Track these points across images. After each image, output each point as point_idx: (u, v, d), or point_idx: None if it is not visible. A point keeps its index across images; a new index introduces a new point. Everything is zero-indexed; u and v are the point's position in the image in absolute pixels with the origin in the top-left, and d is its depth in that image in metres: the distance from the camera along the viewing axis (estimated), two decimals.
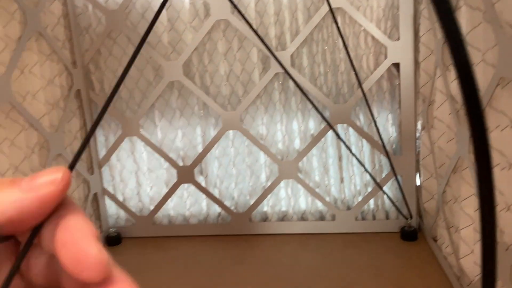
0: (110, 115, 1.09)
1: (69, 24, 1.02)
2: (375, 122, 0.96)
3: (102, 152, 1.13)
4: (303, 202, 1.10)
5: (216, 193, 1.11)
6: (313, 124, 1.06)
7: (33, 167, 0.87)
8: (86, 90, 1.07)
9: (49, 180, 0.18)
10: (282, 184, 1.08)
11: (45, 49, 0.93)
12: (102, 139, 1.13)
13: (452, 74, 0.70)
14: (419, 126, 0.98)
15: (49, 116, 0.93)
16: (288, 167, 1.05)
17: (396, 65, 0.98)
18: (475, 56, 0.59)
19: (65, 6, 1.00)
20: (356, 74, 0.91)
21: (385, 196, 1.05)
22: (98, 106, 1.10)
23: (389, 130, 1.02)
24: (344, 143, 0.95)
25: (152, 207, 1.13)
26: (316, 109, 0.93)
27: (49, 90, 0.93)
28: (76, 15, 1.04)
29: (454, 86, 0.70)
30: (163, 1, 0.33)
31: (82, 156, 1.06)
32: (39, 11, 0.90)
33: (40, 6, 0.90)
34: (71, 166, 0.20)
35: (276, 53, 0.99)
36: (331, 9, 0.90)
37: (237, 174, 1.10)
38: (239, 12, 0.93)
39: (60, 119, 0.96)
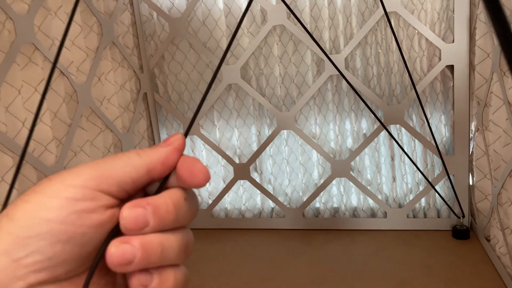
0: (173, 115, 1.17)
1: (136, 32, 1.10)
2: (428, 122, 0.99)
3: None
4: (355, 199, 1.14)
5: (270, 189, 1.17)
6: (366, 124, 1.09)
7: None
8: (152, 93, 1.16)
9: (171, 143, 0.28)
10: (334, 181, 1.13)
11: (117, 56, 1.01)
12: (165, 137, 1.21)
13: (510, 80, 0.72)
14: (472, 128, 0.99)
15: (121, 118, 1.01)
16: (340, 166, 1.10)
17: (450, 67, 0.99)
18: None
19: (133, 15, 1.09)
20: (410, 76, 0.93)
21: (436, 195, 1.07)
22: (162, 108, 1.18)
23: (441, 131, 1.04)
24: (397, 142, 0.98)
25: (210, 201, 1.21)
26: (370, 109, 0.96)
27: (121, 95, 1.02)
28: (142, 23, 1.12)
29: None
30: (247, 5, 0.39)
31: None
32: (113, 22, 0.99)
33: (114, 17, 0.99)
34: (186, 134, 0.29)
35: (331, 56, 1.03)
36: (386, 14, 0.93)
37: (290, 171, 1.16)
38: (296, 17, 0.97)
39: (131, 121, 1.05)
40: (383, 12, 0.96)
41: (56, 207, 0.23)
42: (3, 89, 0.68)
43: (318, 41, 1.01)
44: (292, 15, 1.03)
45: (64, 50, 0.83)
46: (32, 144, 0.73)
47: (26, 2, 0.73)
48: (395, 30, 1.00)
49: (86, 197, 0.24)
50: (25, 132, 0.72)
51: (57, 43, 0.81)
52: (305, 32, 1.00)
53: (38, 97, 0.75)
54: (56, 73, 0.80)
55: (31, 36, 0.73)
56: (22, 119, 0.71)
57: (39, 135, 0.76)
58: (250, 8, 1.06)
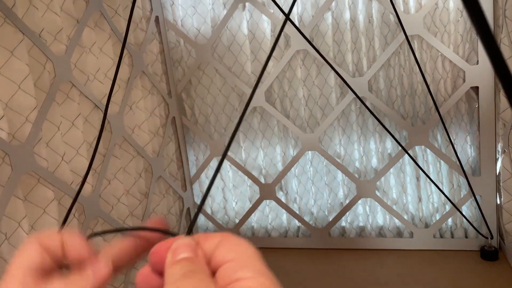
0: (200, 137, 1.21)
1: (164, 59, 1.14)
2: (452, 144, 0.99)
3: (193, 170, 1.25)
4: (381, 218, 1.15)
5: (296, 208, 1.19)
6: (390, 144, 1.10)
7: (140, 190, 1.00)
8: (180, 117, 1.20)
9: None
10: (360, 201, 1.14)
11: (147, 84, 1.06)
12: (193, 159, 1.25)
13: None
14: (499, 149, 0.98)
15: (151, 143, 1.06)
16: (366, 186, 1.11)
17: (475, 89, 0.99)
18: None
19: (161, 43, 1.13)
20: (432, 98, 0.94)
21: (465, 213, 1.06)
22: (190, 130, 1.22)
23: (467, 151, 1.04)
24: (420, 167, 0.99)
25: (237, 220, 1.23)
26: (390, 133, 0.97)
27: (151, 121, 1.06)
28: (170, 50, 1.17)
29: None
30: (276, 38, 0.41)
31: (177, 176, 1.19)
32: (142, 52, 1.03)
33: (143, 47, 1.03)
34: (189, 231, 0.28)
35: (354, 79, 1.04)
36: (407, 38, 0.94)
37: (315, 191, 1.17)
38: (315, 49, 0.99)
39: (160, 145, 1.09)
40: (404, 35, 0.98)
41: None
42: (44, 126, 0.73)
43: (341, 65, 1.03)
44: (314, 39, 1.06)
45: (97, 83, 0.88)
46: (70, 176, 0.78)
47: (63, 43, 0.78)
48: (418, 52, 1.01)
49: None
50: (64, 166, 0.76)
51: (92, 78, 0.86)
52: (327, 56, 1.02)
53: (75, 131, 0.79)
54: (91, 106, 0.85)
55: (68, 74, 0.78)
56: (61, 153, 0.76)
57: (77, 166, 0.80)
58: (272, 33, 1.09)
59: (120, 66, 0.93)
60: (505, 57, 0.84)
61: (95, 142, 0.83)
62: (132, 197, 0.98)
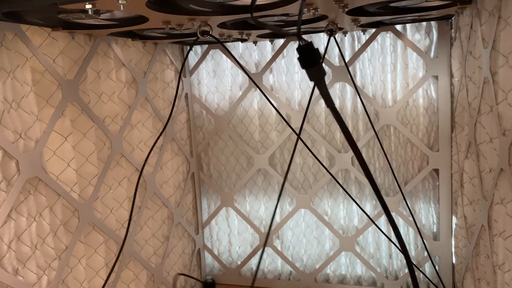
0: (213, 190, 1.46)
1: (189, 126, 1.41)
2: (412, 214, 1.22)
3: (205, 217, 1.50)
4: (359, 269, 1.37)
5: (289, 255, 1.42)
6: (369, 208, 1.34)
7: (163, 234, 1.25)
8: (198, 172, 1.45)
9: None
10: (342, 253, 1.36)
11: (175, 148, 1.32)
12: (205, 207, 1.50)
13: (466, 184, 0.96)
14: (454, 220, 1.21)
15: (174, 195, 1.31)
16: (348, 241, 1.34)
17: (437, 170, 1.23)
18: None
19: (188, 114, 1.40)
20: (394, 177, 1.19)
21: (427, 270, 1.29)
22: (205, 183, 1.47)
23: (430, 219, 1.27)
24: (385, 234, 1.22)
25: (239, 262, 1.47)
26: (359, 207, 1.20)
27: (175, 177, 1.32)
28: (194, 118, 1.44)
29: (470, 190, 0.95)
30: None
31: (191, 221, 1.44)
32: (174, 123, 1.30)
33: (175, 119, 1.30)
34: None
35: (340, 155, 1.29)
36: (376, 134, 1.19)
37: (306, 242, 1.41)
38: (304, 143, 1.25)
39: (181, 196, 1.34)
40: (382, 124, 1.23)
41: None
42: (101, 188, 0.99)
43: (330, 141, 1.29)
44: (310, 119, 1.32)
45: (139, 151, 1.14)
46: (115, 224, 1.03)
47: (118, 124, 1.05)
48: (393, 137, 1.26)
49: None
50: (111, 217, 1.01)
51: (135, 148, 1.12)
52: (320, 133, 1.28)
53: (122, 190, 1.05)
54: (133, 169, 1.11)
55: (120, 147, 1.04)
56: (110, 207, 1.01)
57: (120, 216, 1.05)
58: (277, 110, 1.35)
59: (156, 136, 1.20)
60: (457, 150, 1.09)
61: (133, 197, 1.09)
62: (157, 239, 1.23)
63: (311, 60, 0.48)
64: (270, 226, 0.96)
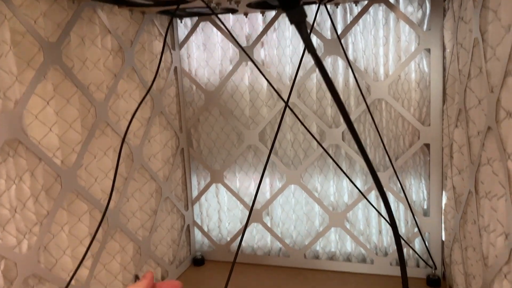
0: (203, 166, 1.45)
1: (179, 101, 1.39)
2: (403, 190, 1.21)
3: (194, 193, 1.48)
4: (349, 246, 1.36)
5: (278, 232, 1.41)
6: (360, 183, 1.32)
7: (151, 207, 1.23)
8: (187, 148, 1.44)
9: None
10: (332, 229, 1.36)
11: (163, 122, 1.30)
12: (195, 183, 1.48)
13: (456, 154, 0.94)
14: (444, 195, 1.21)
15: (163, 170, 1.29)
16: (337, 217, 1.33)
17: (428, 145, 1.22)
18: None
19: (177, 88, 1.38)
20: (386, 152, 1.18)
21: (417, 247, 1.28)
22: (195, 159, 1.46)
23: (420, 195, 1.26)
24: (376, 209, 1.21)
25: (228, 238, 1.46)
26: (351, 180, 1.19)
27: (164, 152, 1.30)
28: (184, 93, 1.41)
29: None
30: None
31: (181, 197, 1.42)
32: (162, 95, 1.28)
33: (163, 92, 1.28)
34: None
35: (331, 130, 1.28)
36: (368, 108, 1.17)
37: (295, 219, 1.40)
38: (299, 120, 1.23)
39: (170, 171, 1.33)
40: (373, 98, 1.22)
41: None
42: (85, 155, 0.97)
43: (321, 117, 1.27)
44: (301, 94, 1.30)
45: (125, 122, 1.12)
46: (100, 194, 1.01)
47: (103, 92, 1.02)
48: (384, 112, 1.24)
49: None
50: (96, 186, 1.00)
51: (122, 118, 1.10)
52: (311, 109, 1.26)
53: (107, 160, 1.03)
54: (119, 139, 1.09)
55: (105, 116, 1.03)
56: (95, 176, 1.00)
57: (105, 186, 1.03)
58: (268, 86, 1.33)
59: (143, 108, 1.18)
60: (448, 123, 1.08)
61: (120, 168, 1.07)
62: (144, 213, 1.21)
63: (291, 0, 0.46)
64: (254, 201, 0.94)
